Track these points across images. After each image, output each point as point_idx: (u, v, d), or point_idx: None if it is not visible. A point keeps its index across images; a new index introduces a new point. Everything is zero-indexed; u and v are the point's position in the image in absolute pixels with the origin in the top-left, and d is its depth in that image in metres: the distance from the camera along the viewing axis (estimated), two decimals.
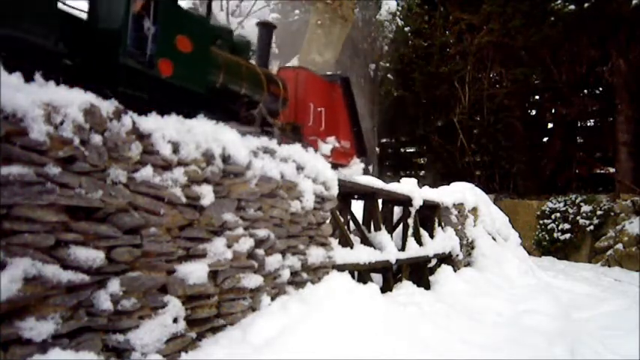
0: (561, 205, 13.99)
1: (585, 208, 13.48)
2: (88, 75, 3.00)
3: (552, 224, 13.94)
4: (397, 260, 5.97)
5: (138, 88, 3.18)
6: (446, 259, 7.55)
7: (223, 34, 4.32)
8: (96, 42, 3.06)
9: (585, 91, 16.78)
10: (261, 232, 3.77)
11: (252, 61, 5.08)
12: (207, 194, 3.21)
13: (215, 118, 3.53)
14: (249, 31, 8.98)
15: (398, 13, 17.54)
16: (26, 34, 2.61)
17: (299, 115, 5.02)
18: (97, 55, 3.05)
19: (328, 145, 5.18)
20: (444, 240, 7.50)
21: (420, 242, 6.96)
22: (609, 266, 12.35)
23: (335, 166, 5.01)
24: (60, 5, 2.99)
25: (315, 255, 4.44)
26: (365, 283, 5.14)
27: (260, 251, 3.74)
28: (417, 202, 6.79)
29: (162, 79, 3.33)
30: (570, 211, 13.73)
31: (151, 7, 3.21)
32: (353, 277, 5.16)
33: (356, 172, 5.91)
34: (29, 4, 2.55)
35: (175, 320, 2.95)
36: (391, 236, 6.27)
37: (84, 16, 3.36)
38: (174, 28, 3.33)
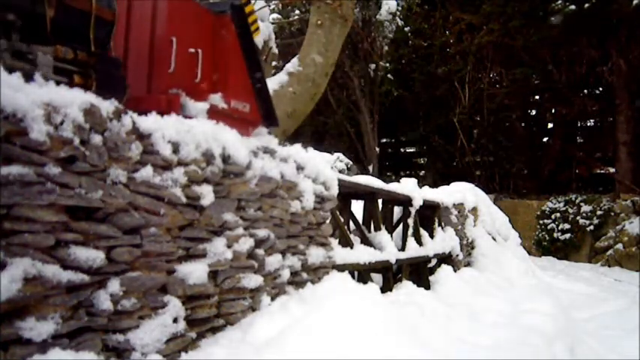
0: (561, 205, 14.00)
1: (585, 208, 13.49)
2: None
3: (552, 224, 13.95)
4: (397, 260, 5.98)
5: None
6: (446, 259, 7.55)
7: None
8: None
9: (585, 91, 16.78)
10: (261, 232, 3.77)
11: None
12: (207, 194, 3.21)
13: None
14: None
15: (398, 13, 17.53)
16: None
17: (152, 54, 3.43)
18: None
19: (204, 104, 3.52)
20: (444, 240, 7.50)
21: (420, 242, 6.96)
22: (609, 266, 12.35)
23: None
24: None
25: (315, 255, 4.44)
26: (365, 283, 5.15)
27: (260, 251, 3.74)
28: (417, 202, 6.79)
29: None
30: (570, 211, 13.73)
31: None
32: (353, 277, 5.16)
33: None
34: None
35: (175, 320, 2.95)
36: (391, 236, 6.27)
37: None
38: None
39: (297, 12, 16.71)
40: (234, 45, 3.89)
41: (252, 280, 3.60)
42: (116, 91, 3.03)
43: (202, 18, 3.71)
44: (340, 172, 5.54)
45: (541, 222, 14.28)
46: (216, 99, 3.69)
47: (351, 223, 6.29)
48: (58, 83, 2.54)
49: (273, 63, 12.02)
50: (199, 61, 3.56)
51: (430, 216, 7.53)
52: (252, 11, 5.43)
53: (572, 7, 13.43)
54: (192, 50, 3.54)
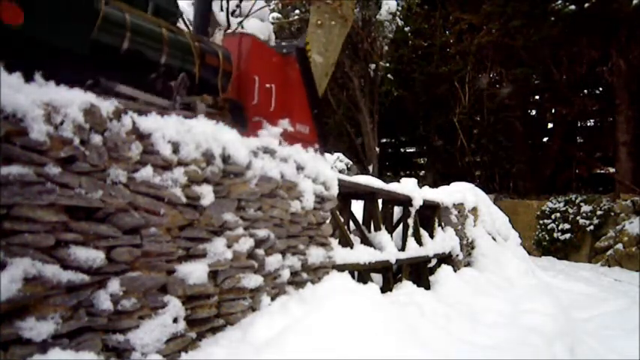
0: (561, 205, 14.00)
1: (585, 208, 13.49)
2: None
3: (552, 224, 13.95)
4: (397, 260, 5.97)
5: None
6: (446, 259, 7.55)
7: None
8: None
9: (585, 91, 16.80)
10: (261, 232, 3.77)
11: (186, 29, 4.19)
12: (207, 194, 3.21)
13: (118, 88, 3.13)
14: (249, 31, 8.97)
15: (398, 13, 17.53)
16: None
17: (241, 90, 4.16)
18: None
19: (277, 128, 4.20)
20: (444, 240, 7.50)
21: (420, 242, 6.96)
22: (609, 266, 12.35)
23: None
24: None
25: (315, 255, 4.44)
26: (365, 283, 5.15)
27: (260, 251, 3.74)
28: (417, 202, 6.79)
29: (10, 30, 2.47)
30: (570, 211, 13.73)
31: None
32: (353, 277, 5.16)
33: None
34: None
35: (175, 320, 2.95)
36: (391, 236, 6.27)
37: None
38: None
39: (297, 12, 16.71)
40: (297, 79, 4.72)
41: (252, 280, 3.60)
42: (243, 125, 3.95)
43: (275, 59, 4.55)
44: (340, 172, 5.54)
45: (541, 222, 14.28)
46: (285, 124, 4.42)
47: (351, 223, 6.29)
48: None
49: None
50: (273, 94, 4.36)
51: (430, 216, 7.53)
52: (309, 50, 6.36)
53: (572, 7, 13.43)
54: (268, 85, 4.33)
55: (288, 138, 4.30)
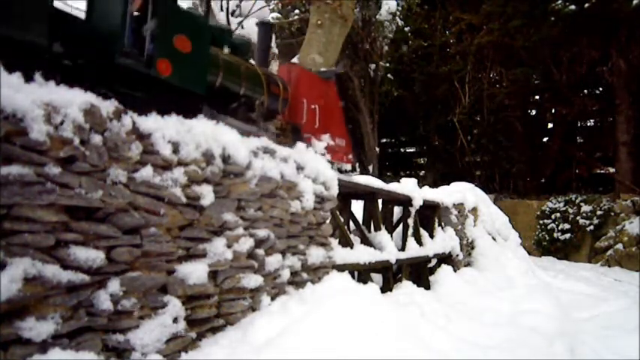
0: (561, 205, 14.00)
1: (585, 208, 13.49)
2: (88, 75, 3.02)
3: (552, 224, 13.95)
4: (397, 260, 5.97)
5: (136, 88, 3.26)
6: (446, 259, 7.55)
7: (223, 33, 4.28)
8: (94, 42, 3.03)
9: (585, 91, 16.79)
10: (261, 232, 3.77)
11: (253, 62, 5.05)
12: (207, 194, 3.21)
13: (215, 118, 3.73)
14: (249, 30, 8.97)
15: (398, 13, 17.52)
16: (19, 33, 2.65)
17: (292, 112, 4.92)
18: (95, 55, 3.05)
19: (322, 142, 5.04)
20: (444, 240, 7.51)
21: (420, 242, 6.96)
22: (609, 266, 12.35)
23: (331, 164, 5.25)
24: (56, 4, 3.02)
25: (315, 255, 4.44)
26: (365, 283, 5.14)
27: (260, 251, 3.74)
28: (417, 202, 6.79)
29: (161, 79, 3.38)
30: (570, 211, 13.73)
31: (149, 7, 3.22)
32: (353, 277, 5.16)
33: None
34: (20, 2, 2.62)
35: (175, 320, 2.95)
36: (391, 236, 6.27)
37: (82, 15, 3.36)
38: (172, 28, 3.36)
39: (297, 12, 16.70)
40: (335, 100, 5.53)
41: (252, 280, 3.60)
42: (299, 141, 4.59)
43: (317, 83, 5.35)
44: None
45: (541, 222, 14.28)
46: (326, 138, 5.22)
47: (351, 223, 6.29)
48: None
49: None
50: (317, 114, 5.13)
51: (430, 216, 7.53)
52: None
53: (572, 7, 13.43)
54: (313, 107, 5.10)
55: (329, 150, 5.22)
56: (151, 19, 3.26)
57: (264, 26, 5.28)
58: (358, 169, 5.91)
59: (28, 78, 2.35)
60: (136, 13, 3.31)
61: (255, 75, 4.49)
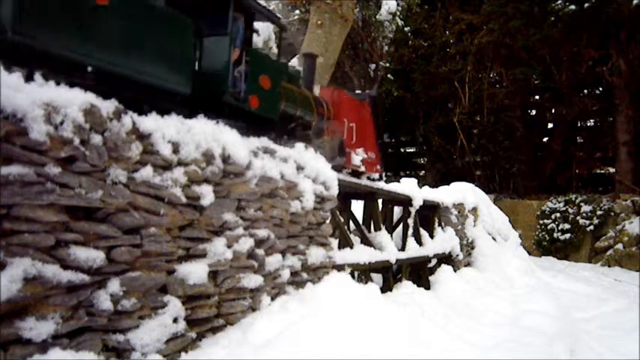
0: (561, 205, 14.00)
1: (585, 208, 13.49)
2: (206, 108, 3.79)
3: (552, 224, 13.94)
4: (397, 260, 5.97)
5: (237, 119, 4.11)
6: (446, 259, 7.55)
7: (284, 67, 5.14)
8: (208, 85, 3.93)
9: (585, 91, 16.79)
10: (261, 232, 3.77)
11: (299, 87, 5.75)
12: (207, 194, 3.21)
13: (280, 138, 4.71)
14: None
15: (398, 13, 17.52)
16: (169, 83, 3.50)
17: (336, 130, 5.67)
18: (209, 94, 3.95)
19: (359, 156, 5.77)
20: (444, 240, 7.51)
21: (420, 242, 6.97)
22: (609, 266, 12.35)
23: (357, 174, 5.94)
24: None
25: (315, 255, 4.44)
26: (365, 283, 5.15)
27: (260, 251, 3.73)
28: (417, 202, 6.79)
29: (252, 111, 4.29)
30: (570, 211, 13.73)
31: (244, 56, 4.22)
32: (353, 277, 5.16)
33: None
34: (177, 66, 3.53)
35: (175, 320, 2.95)
36: (391, 236, 6.27)
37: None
38: (258, 70, 4.29)
39: (297, 12, 16.70)
40: (369, 118, 6.21)
41: (252, 280, 3.60)
42: (342, 155, 5.33)
43: (354, 104, 6.04)
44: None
45: (541, 222, 14.28)
46: (360, 152, 5.83)
47: (351, 223, 6.29)
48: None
49: None
50: (354, 131, 5.81)
51: (430, 216, 7.53)
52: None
53: (572, 7, 13.42)
54: (351, 124, 5.79)
55: (364, 162, 5.87)
56: (244, 65, 4.19)
57: (310, 57, 6.13)
58: (385, 178, 6.59)
59: (166, 113, 3.07)
60: (234, 61, 4.19)
61: (306, 99, 5.24)
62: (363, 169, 5.79)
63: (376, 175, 6.17)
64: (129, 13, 3.13)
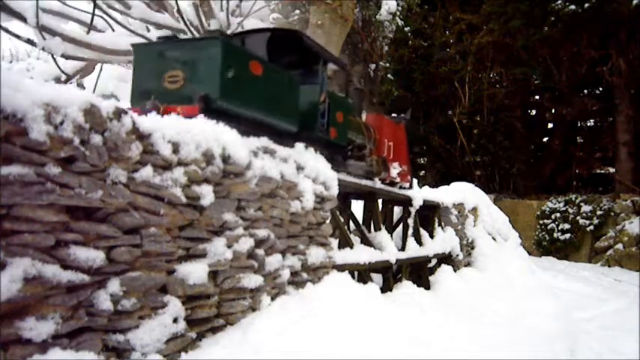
0: (561, 205, 14.01)
1: (585, 208, 13.50)
2: (303, 141, 4.60)
3: (552, 224, 13.96)
4: (397, 260, 5.97)
5: (322, 148, 4.96)
6: (446, 259, 7.55)
7: (348, 103, 5.93)
8: (303, 122, 4.77)
9: (585, 91, 16.80)
10: (261, 232, 3.77)
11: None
12: (207, 194, 3.21)
13: (344, 159, 5.59)
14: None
15: (398, 13, 17.52)
16: (288, 125, 4.51)
17: (380, 149, 6.55)
18: (303, 128, 4.78)
19: (395, 169, 6.60)
20: (444, 240, 7.50)
21: (420, 242, 6.97)
22: (609, 266, 12.36)
23: (392, 184, 6.66)
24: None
25: (315, 255, 4.44)
26: (365, 283, 5.14)
27: (260, 251, 3.73)
28: (417, 203, 6.79)
29: (331, 141, 5.21)
30: (570, 211, 13.74)
31: (326, 98, 5.13)
32: (353, 277, 5.16)
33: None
34: (291, 110, 4.53)
35: (175, 320, 2.95)
36: (391, 236, 6.27)
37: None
38: (335, 108, 5.26)
39: (297, 12, 16.70)
40: (402, 137, 7.14)
41: (252, 280, 3.60)
42: (385, 170, 6.32)
43: (392, 126, 6.98)
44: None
45: (541, 222, 14.29)
46: (396, 165, 6.67)
47: (351, 223, 6.29)
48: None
49: None
50: (392, 149, 6.72)
51: (430, 216, 7.53)
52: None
53: (572, 7, 13.42)
54: (389, 143, 6.69)
55: (398, 174, 6.67)
56: (327, 105, 5.10)
57: (359, 91, 7.38)
58: (414, 187, 7.31)
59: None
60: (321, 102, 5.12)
61: (358, 125, 6.11)
62: (398, 180, 6.68)
63: (407, 185, 7.02)
64: (272, 78, 4.22)
